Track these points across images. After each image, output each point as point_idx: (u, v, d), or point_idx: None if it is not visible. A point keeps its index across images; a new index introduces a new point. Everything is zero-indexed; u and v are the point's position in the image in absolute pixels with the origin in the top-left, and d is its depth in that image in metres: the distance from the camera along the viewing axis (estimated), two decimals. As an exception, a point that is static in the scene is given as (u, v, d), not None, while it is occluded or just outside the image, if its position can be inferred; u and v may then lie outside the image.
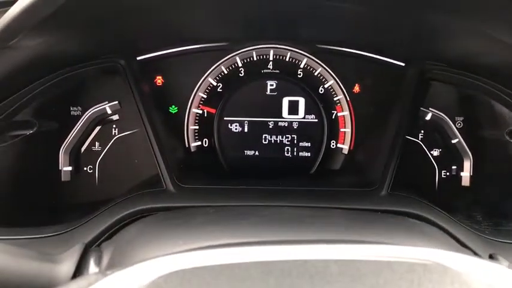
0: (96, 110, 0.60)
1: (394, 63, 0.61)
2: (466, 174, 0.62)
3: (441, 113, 0.62)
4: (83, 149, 0.61)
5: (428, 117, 0.62)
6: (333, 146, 0.64)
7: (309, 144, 0.63)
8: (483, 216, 0.57)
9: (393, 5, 0.47)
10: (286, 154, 0.63)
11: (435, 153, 0.63)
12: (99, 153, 0.61)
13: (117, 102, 0.61)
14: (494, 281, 0.27)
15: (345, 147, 0.63)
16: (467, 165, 0.62)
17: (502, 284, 0.27)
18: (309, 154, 0.63)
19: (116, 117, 0.61)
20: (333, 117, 0.64)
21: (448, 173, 0.63)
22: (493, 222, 0.55)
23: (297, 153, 0.63)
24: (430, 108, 0.62)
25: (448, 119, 0.62)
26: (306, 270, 0.25)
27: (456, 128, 0.62)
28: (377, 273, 0.25)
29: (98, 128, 0.61)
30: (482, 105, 0.60)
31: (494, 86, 0.56)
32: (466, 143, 0.62)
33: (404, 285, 0.25)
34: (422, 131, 0.62)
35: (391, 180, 0.55)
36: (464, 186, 0.62)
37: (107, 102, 0.61)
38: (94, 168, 0.61)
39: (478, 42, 0.50)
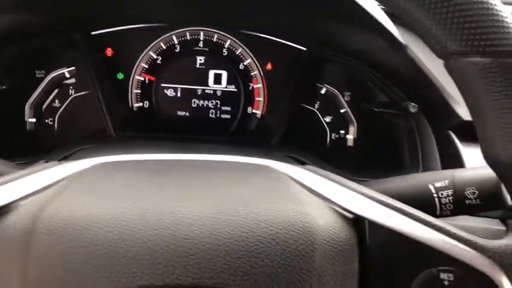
0: (56, 73, 0.74)
1: (297, 48, 0.77)
2: (350, 137, 0.79)
3: (333, 88, 0.79)
4: (45, 105, 0.75)
5: (322, 91, 0.78)
6: (249, 111, 0.80)
7: (230, 109, 0.79)
8: (358, 168, 0.73)
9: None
10: (210, 116, 0.78)
11: (327, 119, 0.79)
12: (58, 108, 0.76)
13: (74, 68, 0.75)
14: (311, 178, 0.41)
15: (258, 112, 0.80)
16: (352, 129, 0.79)
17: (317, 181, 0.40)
18: (229, 116, 0.79)
19: (72, 80, 0.75)
20: (250, 88, 0.79)
21: (337, 136, 0.80)
22: (363, 172, 0.70)
23: (220, 115, 0.79)
24: (325, 84, 0.78)
25: (338, 93, 0.79)
26: (182, 164, 0.41)
27: (344, 100, 0.79)
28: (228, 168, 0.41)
29: (58, 88, 0.76)
30: (362, 84, 0.77)
31: (370, 70, 0.74)
32: (351, 112, 0.79)
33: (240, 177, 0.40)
34: (318, 102, 0.79)
35: (284, 133, 0.72)
36: (349, 146, 0.80)
37: (66, 67, 0.75)
38: (54, 121, 0.76)
39: (360, 41, 0.68)
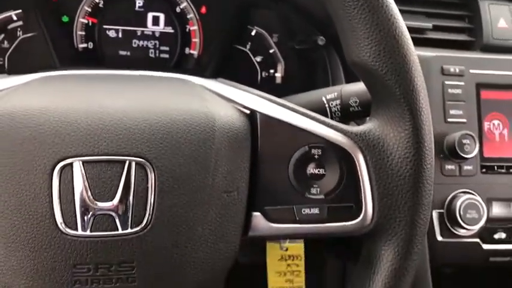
0: (4, 15, 0.80)
1: (228, -6, 0.85)
2: (278, 75, 0.89)
3: (262, 30, 0.87)
4: (-6, 46, 0.81)
5: (253, 33, 0.87)
6: (186, 52, 0.88)
7: (168, 49, 0.86)
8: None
9: None
10: (150, 55, 0.86)
11: (258, 59, 0.88)
12: (7, 49, 0.82)
13: (21, 11, 0.81)
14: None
15: (195, 53, 0.88)
16: (280, 68, 0.89)
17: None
18: (167, 56, 0.87)
19: (20, 23, 0.82)
20: (187, 30, 0.87)
21: (267, 74, 0.89)
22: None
23: (159, 55, 0.86)
24: (255, 27, 0.87)
25: (267, 35, 0.88)
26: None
27: (273, 41, 0.88)
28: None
29: (5, 31, 0.82)
30: (287, 26, 0.86)
31: (293, 12, 0.83)
32: (279, 52, 0.88)
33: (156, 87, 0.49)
34: (249, 43, 0.88)
35: (217, 71, 0.81)
36: (277, 83, 0.90)
37: (12, 10, 0.81)
38: (4, 60, 0.82)
39: None
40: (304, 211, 0.45)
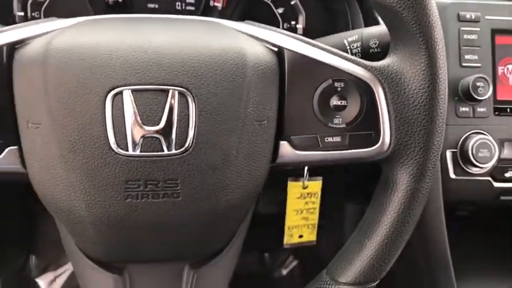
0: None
1: None
2: (300, 26, 0.92)
3: (283, -18, 0.90)
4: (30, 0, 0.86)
5: (274, -16, 0.90)
6: (211, 4, 0.92)
7: (193, 1, 0.90)
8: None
9: None
10: (177, 8, 0.90)
11: (280, 10, 0.92)
12: (43, 2, 0.86)
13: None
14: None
15: (219, 5, 0.91)
16: (301, 19, 0.92)
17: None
18: (193, 8, 0.91)
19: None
20: (211, -17, 0.91)
21: (288, 25, 0.93)
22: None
23: (185, 7, 0.90)
24: (276, -22, 0.90)
25: (288, -14, 0.90)
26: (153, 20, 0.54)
27: (294, -8, 0.91)
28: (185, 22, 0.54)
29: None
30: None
31: None
32: (300, 3, 0.91)
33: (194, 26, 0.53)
34: (271, -6, 0.91)
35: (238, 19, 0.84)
36: (299, 34, 0.93)
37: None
38: (40, 14, 0.87)
39: None
40: (327, 139, 0.50)
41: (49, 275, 1.43)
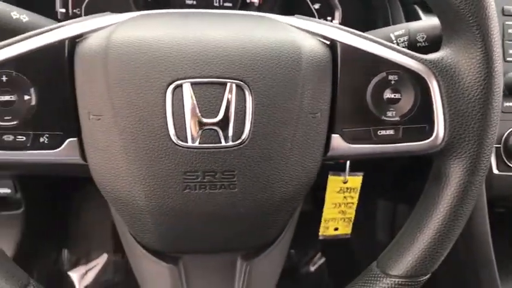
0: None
1: None
2: (336, 22, 0.92)
3: (320, -23, 0.91)
4: (73, -4, 0.87)
5: (311, -20, 0.91)
6: (248, 0, 0.92)
7: (231, -3, 0.91)
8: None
9: None
10: (215, 4, 0.91)
11: (316, 6, 0.92)
12: (84, 0, 0.88)
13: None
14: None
15: (256, 1, 0.92)
16: (338, 14, 0.92)
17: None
18: (231, 4, 0.91)
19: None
20: (248, -21, 0.91)
21: (325, 20, 0.93)
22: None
23: (223, 3, 0.91)
24: (314, -26, 0.90)
25: (325, -18, 0.91)
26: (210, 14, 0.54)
27: (331, -12, 0.91)
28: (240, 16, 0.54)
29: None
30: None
31: None
32: (337, -1, 0.91)
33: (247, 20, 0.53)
34: (307, -10, 0.91)
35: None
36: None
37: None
38: (81, 10, 0.88)
39: None
40: (380, 132, 0.50)
41: (81, 269, 1.45)
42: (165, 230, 0.47)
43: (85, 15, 0.88)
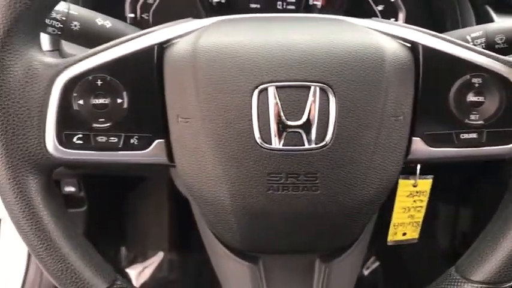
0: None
1: None
2: (400, 23, 0.92)
3: (384, -21, 0.90)
4: (140, 1, 0.90)
5: (375, -19, 0.90)
6: (310, 2, 0.92)
7: (294, 0, 0.92)
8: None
9: None
10: (278, 7, 0.92)
11: (380, 7, 0.91)
12: (152, 4, 0.91)
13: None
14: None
15: (319, 3, 0.92)
16: (401, 16, 0.91)
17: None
18: (294, 7, 0.92)
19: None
20: (311, -18, 0.92)
21: (392, 22, 0.92)
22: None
23: (286, 6, 0.92)
24: (377, -25, 0.90)
25: (389, -17, 0.90)
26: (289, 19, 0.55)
27: (395, -11, 0.90)
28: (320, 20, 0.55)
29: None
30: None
31: None
32: (401, 1, 0.90)
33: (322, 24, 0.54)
34: (370, -7, 0.91)
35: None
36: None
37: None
38: (149, 15, 0.91)
39: None
40: (463, 136, 0.49)
41: (138, 266, 1.49)
42: (248, 230, 0.48)
43: (153, 20, 0.91)
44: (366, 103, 0.46)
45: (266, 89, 0.45)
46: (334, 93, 0.46)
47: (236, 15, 0.55)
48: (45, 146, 0.47)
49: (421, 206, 0.75)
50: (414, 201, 0.74)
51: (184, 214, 1.53)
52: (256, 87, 0.45)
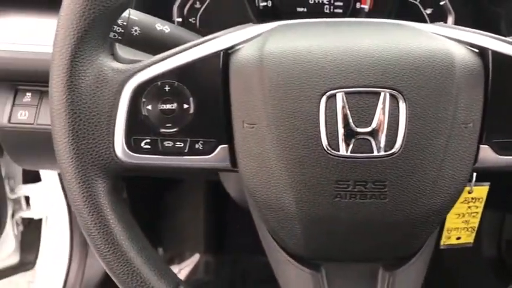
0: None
1: None
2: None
3: (433, -16, 0.88)
4: (188, 5, 0.91)
5: (424, -15, 0.89)
6: (357, 6, 0.92)
7: (342, 4, 0.91)
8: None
9: None
10: (325, 11, 0.91)
11: (428, 11, 0.90)
12: (199, 9, 0.91)
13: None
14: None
15: (366, 7, 0.91)
16: (450, 20, 0.90)
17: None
18: (341, 11, 0.91)
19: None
20: (359, -14, 0.91)
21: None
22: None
23: (333, 10, 0.91)
24: (426, -20, 0.88)
25: (438, -13, 0.88)
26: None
27: (444, -7, 0.89)
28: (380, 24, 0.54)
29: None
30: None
31: None
32: (450, 4, 0.89)
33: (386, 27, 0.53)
34: (420, -4, 0.90)
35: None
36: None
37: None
38: (196, 20, 0.91)
39: None
40: None
41: (174, 268, 1.50)
42: (312, 237, 0.48)
43: (200, 24, 0.91)
44: (436, 110, 0.45)
45: (334, 95, 0.45)
46: (404, 99, 0.45)
47: (296, 20, 0.55)
48: (114, 151, 0.48)
49: (476, 212, 0.74)
50: (469, 207, 0.73)
51: (220, 216, 1.54)
52: (325, 93, 0.45)
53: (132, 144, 0.48)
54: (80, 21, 0.45)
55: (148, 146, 0.48)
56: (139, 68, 0.48)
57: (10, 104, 0.75)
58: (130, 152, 0.48)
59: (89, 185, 0.48)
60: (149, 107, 0.48)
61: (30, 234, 1.40)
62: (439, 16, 0.89)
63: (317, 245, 0.49)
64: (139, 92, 0.47)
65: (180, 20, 0.90)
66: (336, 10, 0.91)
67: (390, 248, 0.49)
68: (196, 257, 1.53)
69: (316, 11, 0.90)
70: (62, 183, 1.27)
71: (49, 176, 1.30)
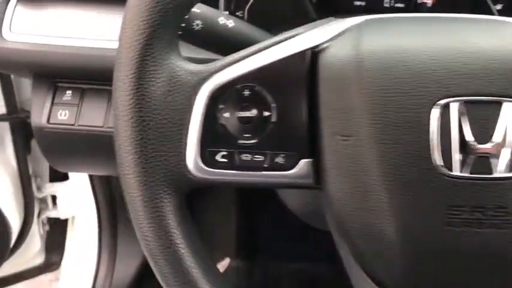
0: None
1: None
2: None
3: (506, -25, 0.81)
4: (235, -2, 0.84)
5: (495, -22, 0.81)
6: (420, 1, 0.85)
7: (402, -2, 0.84)
8: None
9: None
10: (385, 5, 0.84)
11: (498, 7, 0.83)
12: (247, 1, 0.84)
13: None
14: None
15: (429, 1, 0.84)
16: (523, 16, 0.82)
17: None
18: (402, 5, 0.84)
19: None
20: (423, -21, 0.84)
21: (509, 22, 0.83)
22: None
23: (394, 4, 0.84)
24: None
25: (510, -20, 0.81)
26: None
27: (517, -13, 0.81)
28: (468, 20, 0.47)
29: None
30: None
31: None
32: (522, -2, 0.81)
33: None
34: (490, -9, 0.82)
35: None
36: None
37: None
38: (244, 13, 0.85)
39: None
40: None
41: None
42: (413, 269, 0.41)
43: (248, 17, 0.85)
44: None
45: (448, 104, 0.38)
46: None
47: (385, 14, 0.48)
48: (185, 165, 0.41)
49: None
50: None
51: (251, 222, 1.48)
52: (437, 102, 0.38)
53: (207, 157, 0.42)
54: (151, 14, 0.39)
55: (225, 160, 0.42)
56: (216, 69, 0.41)
57: (49, 103, 0.69)
58: (204, 166, 0.42)
59: (156, 204, 0.41)
60: (227, 114, 0.41)
61: (56, 234, 1.35)
62: (510, 11, 0.82)
63: (418, 277, 0.42)
64: (216, 96, 0.41)
65: (226, 13, 0.83)
66: (397, 4, 0.83)
67: (506, 285, 0.42)
68: (226, 262, 1.48)
69: (375, 5, 0.83)
70: (91, 182, 1.21)
71: (77, 174, 1.24)
